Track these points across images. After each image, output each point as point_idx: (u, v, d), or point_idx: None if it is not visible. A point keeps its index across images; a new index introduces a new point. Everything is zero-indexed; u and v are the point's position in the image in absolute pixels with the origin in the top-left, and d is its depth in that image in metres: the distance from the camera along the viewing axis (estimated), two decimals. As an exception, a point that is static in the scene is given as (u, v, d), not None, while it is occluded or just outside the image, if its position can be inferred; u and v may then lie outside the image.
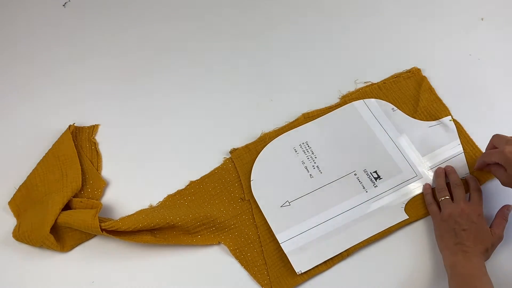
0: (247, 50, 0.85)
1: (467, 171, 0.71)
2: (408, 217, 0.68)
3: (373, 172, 0.71)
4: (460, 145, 0.73)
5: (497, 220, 0.65)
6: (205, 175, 0.73)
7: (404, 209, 0.69)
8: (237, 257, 0.67)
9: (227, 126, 0.77)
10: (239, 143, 0.75)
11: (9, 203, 0.71)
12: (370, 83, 0.80)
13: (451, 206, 0.64)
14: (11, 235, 0.68)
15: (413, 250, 0.67)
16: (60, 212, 0.66)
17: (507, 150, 0.59)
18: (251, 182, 0.71)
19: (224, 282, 0.66)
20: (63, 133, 0.75)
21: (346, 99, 0.78)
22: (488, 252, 0.62)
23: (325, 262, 0.65)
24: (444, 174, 0.69)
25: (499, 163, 0.61)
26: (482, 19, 0.86)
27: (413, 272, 0.65)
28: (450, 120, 0.75)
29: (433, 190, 0.69)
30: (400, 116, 0.76)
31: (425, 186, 0.69)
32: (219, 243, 0.68)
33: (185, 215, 0.67)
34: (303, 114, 0.77)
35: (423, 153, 0.73)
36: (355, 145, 0.74)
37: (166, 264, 0.67)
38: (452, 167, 0.70)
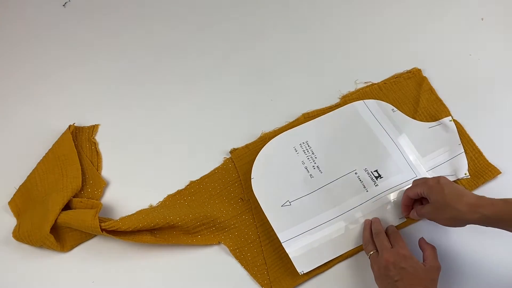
0: (247, 50, 0.85)
1: (467, 171, 0.71)
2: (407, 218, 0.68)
3: (374, 171, 0.71)
4: (461, 145, 0.73)
5: (426, 252, 0.61)
6: (205, 175, 0.73)
7: (404, 209, 0.69)
8: (237, 257, 0.67)
9: (227, 126, 0.77)
10: (239, 143, 0.75)
11: (9, 203, 0.71)
12: (370, 83, 0.80)
13: (377, 261, 0.61)
14: (11, 235, 0.68)
15: (413, 250, 0.66)
16: (60, 212, 0.66)
17: (430, 181, 0.61)
18: (251, 180, 0.71)
19: (224, 282, 0.66)
20: (63, 133, 0.75)
21: (346, 99, 0.78)
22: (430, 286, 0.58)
23: (325, 262, 0.65)
24: (370, 225, 0.66)
25: (423, 194, 0.62)
26: (482, 19, 0.86)
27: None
28: (451, 121, 0.75)
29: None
30: (400, 117, 0.76)
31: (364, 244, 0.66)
32: (219, 243, 0.68)
33: (185, 215, 0.67)
34: (303, 114, 0.77)
35: (423, 153, 0.72)
36: (355, 146, 0.73)
37: (166, 264, 0.67)
38: (376, 218, 0.67)
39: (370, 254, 0.63)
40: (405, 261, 0.59)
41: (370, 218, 0.68)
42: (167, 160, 0.75)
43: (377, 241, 0.63)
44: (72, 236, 0.68)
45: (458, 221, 0.59)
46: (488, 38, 0.84)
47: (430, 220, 0.63)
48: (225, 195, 0.71)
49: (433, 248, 0.62)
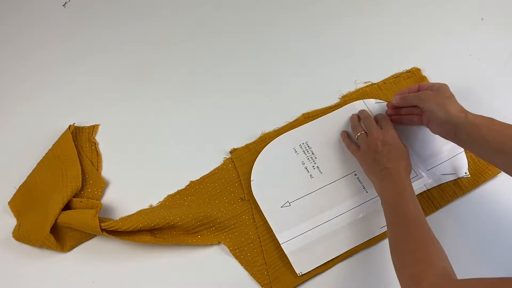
0: (247, 50, 0.85)
1: (467, 170, 0.71)
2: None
3: (373, 172, 0.71)
4: (460, 145, 0.73)
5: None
6: (205, 175, 0.73)
7: (404, 209, 0.69)
8: (237, 257, 0.67)
9: (227, 126, 0.77)
10: (239, 143, 0.75)
11: (9, 203, 0.71)
12: (370, 83, 0.80)
13: (366, 140, 0.68)
14: (11, 235, 0.68)
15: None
16: (60, 212, 0.66)
17: (423, 94, 0.66)
18: (251, 182, 0.71)
19: (224, 282, 0.66)
20: (63, 133, 0.75)
21: (346, 99, 0.78)
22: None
23: (325, 262, 0.65)
24: (358, 116, 0.73)
25: (416, 104, 0.67)
26: (482, 19, 0.86)
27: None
28: (450, 120, 0.75)
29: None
30: (400, 116, 0.76)
31: (342, 133, 0.73)
32: (219, 243, 0.68)
33: (185, 215, 0.67)
34: (303, 114, 0.77)
35: (423, 152, 0.72)
36: (355, 145, 0.73)
37: (166, 264, 0.67)
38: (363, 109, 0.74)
39: (358, 135, 0.70)
40: (392, 139, 0.67)
41: (369, 218, 0.68)
42: (167, 160, 0.75)
43: (366, 123, 0.70)
44: (72, 236, 0.68)
45: (447, 126, 0.63)
46: (488, 38, 0.84)
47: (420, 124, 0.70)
48: (225, 195, 0.71)
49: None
